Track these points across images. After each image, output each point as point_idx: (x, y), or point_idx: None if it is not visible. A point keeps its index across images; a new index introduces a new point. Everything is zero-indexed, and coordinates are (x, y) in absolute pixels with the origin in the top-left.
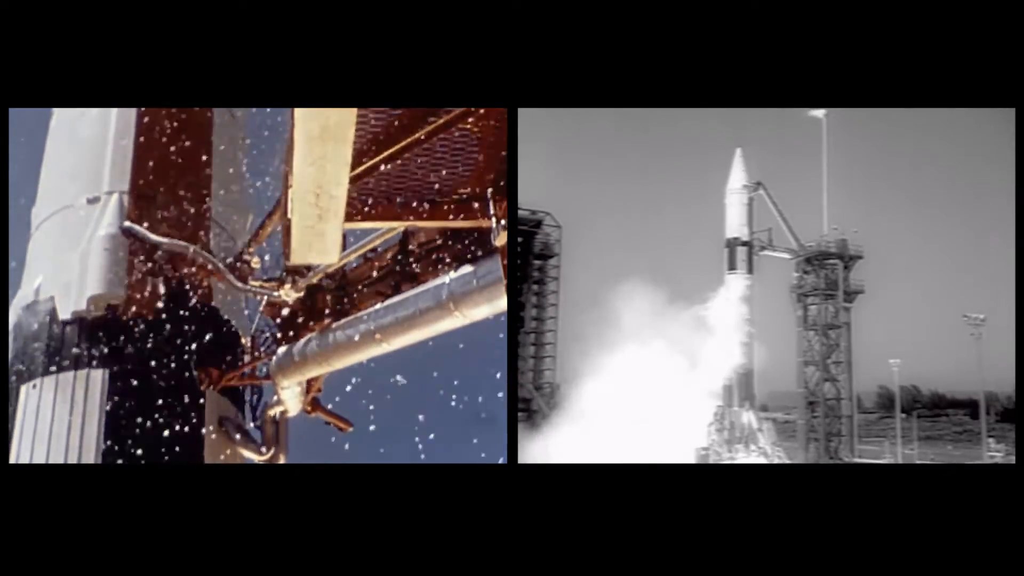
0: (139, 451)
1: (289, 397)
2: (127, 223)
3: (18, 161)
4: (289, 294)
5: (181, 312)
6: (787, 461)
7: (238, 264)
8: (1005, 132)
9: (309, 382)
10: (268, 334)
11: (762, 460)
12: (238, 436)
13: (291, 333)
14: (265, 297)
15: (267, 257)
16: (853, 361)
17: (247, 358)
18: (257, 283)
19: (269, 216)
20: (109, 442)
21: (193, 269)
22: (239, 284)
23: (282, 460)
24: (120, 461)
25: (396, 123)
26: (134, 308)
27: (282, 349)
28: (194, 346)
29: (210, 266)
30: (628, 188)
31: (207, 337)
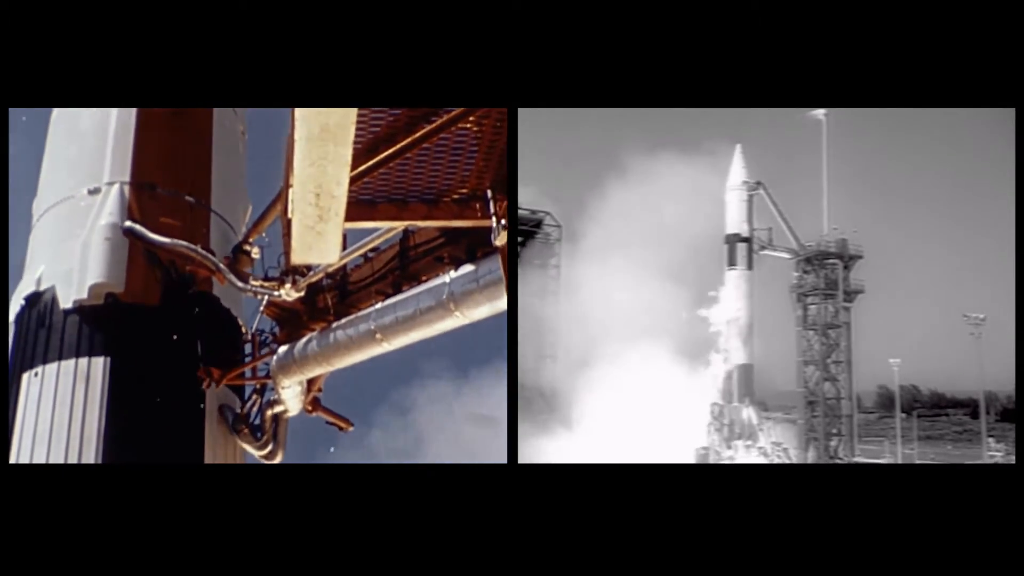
0: (139, 439)
1: (290, 397)
2: (128, 223)
3: (18, 157)
4: (290, 293)
5: (181, 300)
6: (787, 461)
7: (239, 255)
8: (1005, 132)
9: (310, 382)
10: (269, 334)
11: (762, 458)
12: (238, 427)
13: (291, 333)
14: (266, 297)
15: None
16: (853, 361)
17: (248, 351)
18: (258, 282)
19: (269, 207)
20: (110, 430)
21: (194, 268)
22: (240, 284)
23: (279, 458)
24: (121, 449)
25: (395, 123)
26: (134, 296)
27: (283, 348)
28: (194, 336)
29: (211, 265)
30: (628, 188)
31: (208, 328)
